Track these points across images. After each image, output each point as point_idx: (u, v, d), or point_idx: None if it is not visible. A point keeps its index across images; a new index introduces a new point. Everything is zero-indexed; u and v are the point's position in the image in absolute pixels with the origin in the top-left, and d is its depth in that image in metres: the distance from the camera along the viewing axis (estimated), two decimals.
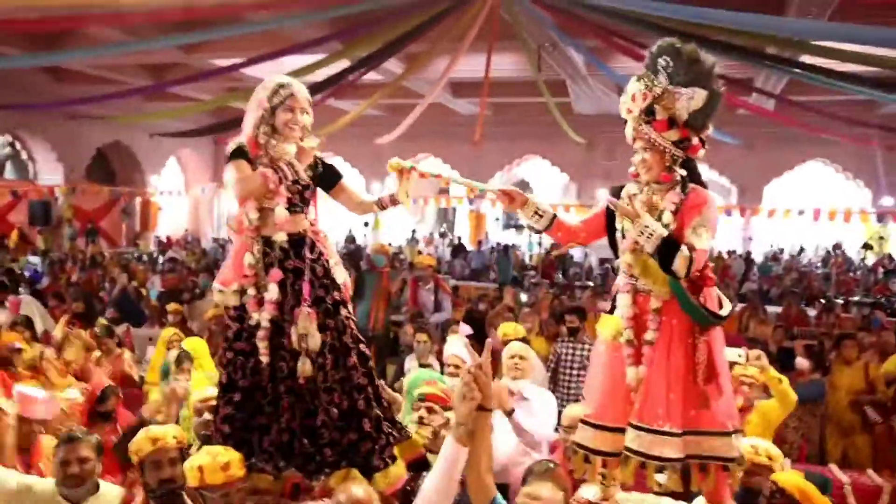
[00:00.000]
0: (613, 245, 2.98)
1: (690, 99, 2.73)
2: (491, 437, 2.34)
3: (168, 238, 21.59)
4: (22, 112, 17.23)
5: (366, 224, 18.69)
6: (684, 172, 2.83)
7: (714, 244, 2.81)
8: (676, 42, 2.81)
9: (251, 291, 3.06)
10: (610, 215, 2.98)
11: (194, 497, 2.99)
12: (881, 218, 19.15)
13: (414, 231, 24.31)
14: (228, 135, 21.10)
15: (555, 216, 3.06)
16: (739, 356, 4.27)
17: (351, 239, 22.34)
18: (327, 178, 3.21)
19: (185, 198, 24.53)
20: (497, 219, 27.20)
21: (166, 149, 22.80)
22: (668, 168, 2.81)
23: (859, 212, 19.36)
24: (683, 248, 2.65)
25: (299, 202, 3.07)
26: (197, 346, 5.48)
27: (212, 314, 7.71)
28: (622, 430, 2.79)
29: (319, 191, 3.26)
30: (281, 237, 3.03)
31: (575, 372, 6.13)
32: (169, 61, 15.27)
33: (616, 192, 2.99)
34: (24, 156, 19.80)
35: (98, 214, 20.89)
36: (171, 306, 7.87)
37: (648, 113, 2.78)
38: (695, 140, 2.81)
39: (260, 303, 3.04)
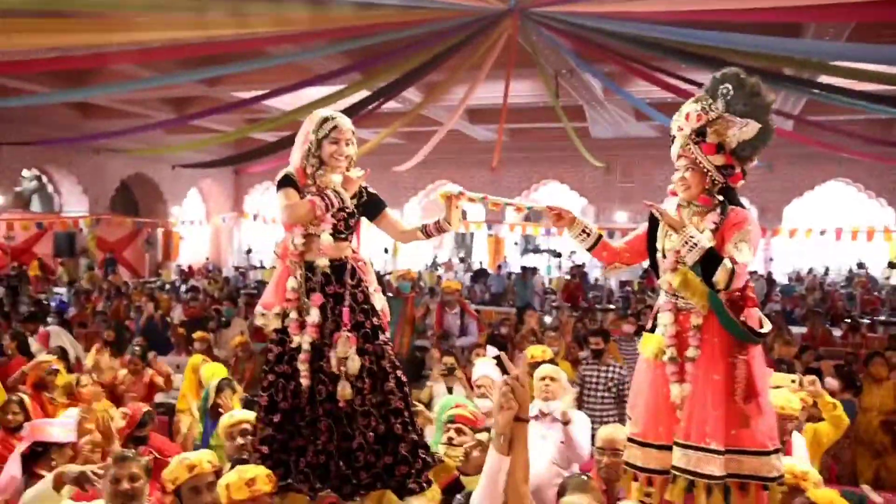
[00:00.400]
0: (654, 265, 3.03)
1: (743, 129, 2.81)
2: (527, 447, 2.38)
3: (189, 267, 21.80)
4: (49, 147, 17.59)
5: (385, 251, 18.78)
6: (722, 198, 2.88)
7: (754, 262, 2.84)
8: (741, 72, 2.89)
9: (293, 315, 3.14)
10: (651, 237, 3.04)
11: None
12: None
13: (435, 257, 24.36)
14: (248, 165, 21.48)
15: (601, 236, 3.13)
16: (793, 381, 4.17)
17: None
18: (371, 207, 3.31)
19: (206, 227, 24.80)
20: (515, 243, 27.21)
21: (188, 180, 23.13)
22: (707, 191, 2.87)
23: (882, 230, 19.19)
24: (726, 260, 2.70)
25: (344, 229, 3.17)
26: (217, 371, 5.57)
27: (237, 342, 7.83)
28: (668, 448, 2.82)
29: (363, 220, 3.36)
30: (323, 262, 3.12)
31: (600, 394, 6.14)
32: (191, 94, 15.57)
33: (655, 217, 3.04)
34: (49, 189, 20.17)
35: (121, 245, 21.16)
36: (198, 334, 7.98)
37: (699, 134, 2.84)
38: (738, 169, 2.87)
39: (301, 326, 3.12)
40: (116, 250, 20.81)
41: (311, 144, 3.17)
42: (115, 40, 8.52)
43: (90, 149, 19.04)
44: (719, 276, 2.68)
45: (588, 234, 3.14)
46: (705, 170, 2.86)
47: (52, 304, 13.49)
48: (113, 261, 19.25)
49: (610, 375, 6.20)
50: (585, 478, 3.08)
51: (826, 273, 22.90)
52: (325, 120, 3.19)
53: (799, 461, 3.47)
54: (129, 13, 7.80)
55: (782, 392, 3.90)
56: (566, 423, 4.12)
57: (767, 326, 2.84)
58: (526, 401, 2.30)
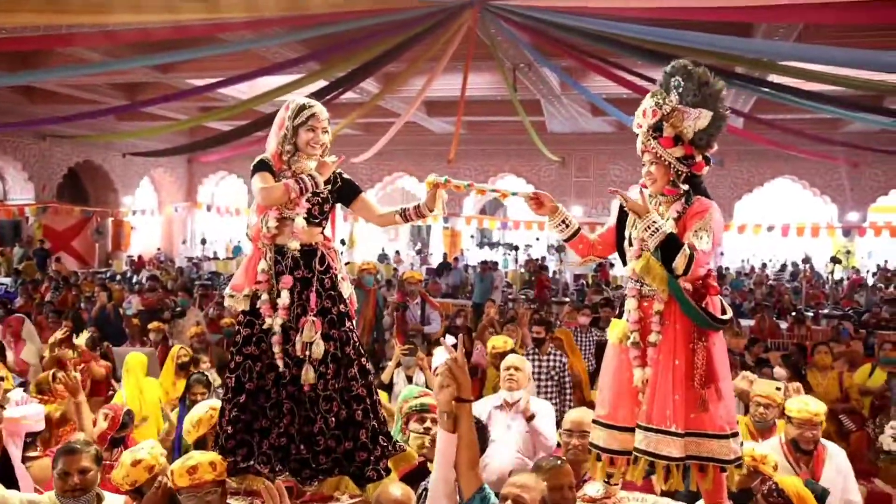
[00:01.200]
0: (622, 254, 3.11)
1: (697, 119, 2.90)
2: (472, 429, 2.49)
3: (140, 257, 21.39)
4: None
5: (342, 242, 18.71)
6: (687, 187, 2.96)
7: (716, 250, 2.93)
8: (689, 64, 2.98)
9: (264, 297, 3.17)
10: (620, 226, 3.11)
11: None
12: (847, 232, 19.62)
13: (383, 249, 24.32)
14: (202, 154, 21.14)
15: (579, 228, 3.18)
16: (778, 389, 4.33)
17: None
18: (347, 192, 3.32)
19: (158, 217, 24.35)
20: (472, 236, 27.35)
21: (140, 168, 22.67)
22: (672, 182, 2.95)
23: (826, 227, 19.83)
24: (685, 246, 2.80)
25: (318, 214, 3.19)
26: (136, 360, 5.70)
27: (194, 332, 7.74)
28: (631, 430, 2.91)
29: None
30: (294, 245, 3.15)
31: (543, 383, 6.23)
32: (143, 80, 15.23)
33: (623, 208, 3.11)
34: None
35: (69, 234, 20.67)
36: (153, 325, 7.87)
37: (656, 129, 2.93)
38: (699, 158, 2.96)
39: (274, 308, 3.13)
40: (64, 240, 20.33)
41: (287, 131, 3.19)
42: (69, 21, 8.31)
43: (36, 134, 18.52)
44: (678, 262, 2.78)
45: (567, 226, 3.19)
46: (667, 162, 2.94)
47: None
48: (44, 251, 18.60)
49: (552, 364, 6.30)
50: (558, 461, 3.14)
51: (763, 267, 23.57)
52: (303, 108, 3.20)
53: (759, 445, 3.59)
54: None
55: (766, 383, 4.28)
56: (529, 418, 4.18)
57: (729, 314, 2.94)
58: (465, 381, 2.44)
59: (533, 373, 6.27)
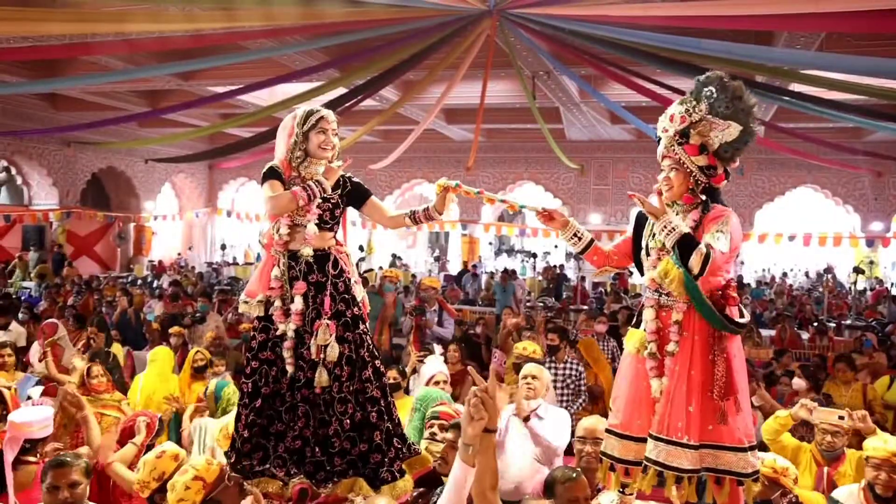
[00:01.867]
0: (639, 264, 3.10)
1: (724, 130, 2.89)
2: (496, 457, 2.41)
3: (160, 262, 21.59)
4: (18, 138, 17.32)
5: (360, 248, 18.79)
6: (705, 197, 2.95)
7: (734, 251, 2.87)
8: (725, 76, 2.96)
9: (277, 303, 3.19)
10: (636, 238, 3.10)
11: None
12: (870, 243, 19.37)
13: (395, 255, 24.31)
14: (223, 160, 21.32)
15: (592, 240, 3.18)
16: (841, 417, 4.00)
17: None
18: (356, 195, 3.35)
19: (179, 223, 24.57)
20: (490, 243, 27.33)
21: (161, 174, 22.90)
22: (690, 190, 2.94)
23: (849, 236, 19.59)
24: (701, 245, 2.77)
25: (329, 219, 3.21)
26: (163, 352, 6.04)
27: (211, 336, 7.80)
28: (646, 440, 2.89)
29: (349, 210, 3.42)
30: (307, 251, 3.18)
31: (558, 390, 6.23)
32: (165, 88, 15.41)
33: (642, 215, 3.10)
34: (18, 181, 19.83)
35: (92, 239, 20.91)
36: (174, 329, 7.95)
37: (683, 135, 2.91)
38: (720, 170, 2.95)
39: (286, 314, 3.16)
40: (86, 244, 20.59)
41: (297, 137, 3.23)
42: (92, 30, 8.43)
43: (60, 141, 18.77)
44: (693, 261, 2.75)
45: (580, 238, 3.19)
46: (689, 170, 2.93)
47: (22, 297, 13.29)
48: (62, 255, 18.79)
49: (567, 372, 6.29)
50: (574, 474, 3.12)
51: (784, 276, 23.33)
52: (311, 113, 3.26)
53: (779, 458, 3.55)
54: (109, 2, 7.73)
55: (827, 411, 4.07)
56: (525, 419, 4.16)
57: (746, 317, 2.92)
58: (495, 412, 2.31)
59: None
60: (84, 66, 12.99)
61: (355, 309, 3.24)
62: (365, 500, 2.78)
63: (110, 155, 20.56)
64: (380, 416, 3.21)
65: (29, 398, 4.77)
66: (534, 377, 4.43)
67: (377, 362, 3.28)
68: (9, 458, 3.44)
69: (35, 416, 3.64)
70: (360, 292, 3.30)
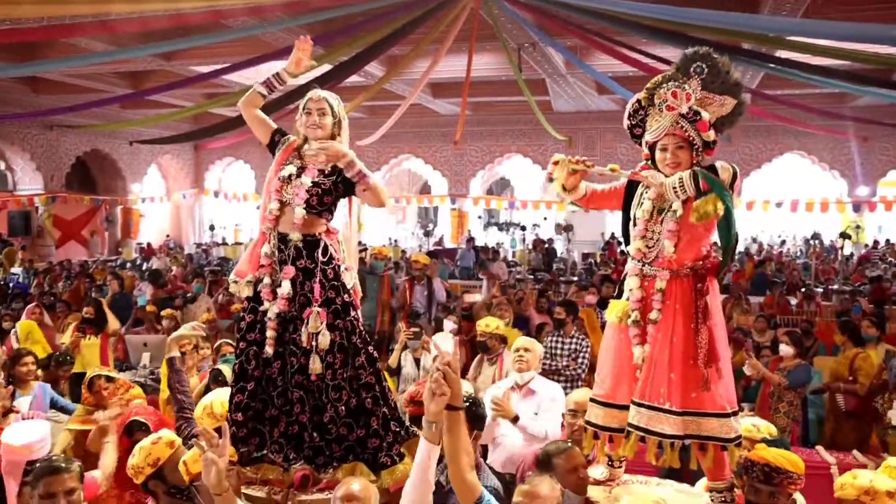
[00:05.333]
0: (626, 234, 3.13)
1: (721, 106, 2.95)
2: (466, 435, 2.35)
3: (149, 245, 21.50)
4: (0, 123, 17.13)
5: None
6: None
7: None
8: (713, 52, 2.97)
9: (266, 280, 3.18)
10: (626, 210, 3.12)
11: (192, 496, 3.03)
12: (857, 208, 19.50)
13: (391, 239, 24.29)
14: (208, 141, 21.15)
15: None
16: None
17: None
18: (350, 181, 3.25)
19: (166, 204, 24.44)
20: (479, 217, 27.34)
21: (147, 156, 22.72)
22: (694, 165, 2.96)
23: (836, 202, 19.72)
24: (723, 163, 2.91)
25: (317, 205, 3.16)
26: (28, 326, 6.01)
27: (204, 318, 7.80)
28: (629, 409, 2.95)
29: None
30: (296, 236, 3.15)
31: (565, 363, 6.25)
32: (147, 68, 15.24)
33: (631, 187, 3.15)
34: (1, 166, 19.65)
35: (79, 223, 20.79)
36: (166, 312, 7.94)
37: (696, 113, 2.92)
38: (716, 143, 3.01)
39: (274, 293, 3.15)
40: (74, 228, 20.48)
41: (298, 119, 3.28)
42: (71, 12, 8.29)
43: (43, 125, 18.57)
44: (723, 176, 2.85)
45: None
46: (696, 146, 2.94)
47: (10, 284, 13.23)
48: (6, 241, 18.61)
49: (574, 346, 6.32)
50: (566, 445, 3.17)
51: (783, 244, 23.45)
52: (307, 95, 3.28)
53: (756, 419, 3.60)
54: None
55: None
56: (514, 420, 4.19)
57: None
58: (458, 388, 2.23)
59: (556, 354, 6.33)
60: (64, 48, 12.82)
61: (345, 296, 3.21)
62: (343, 482, 2.74)
63: (94, 138, 20.36)
64: (375, 401, 3.21)
65: (15, 411, 4.41)
66: (526, 350, 4.45)
67: (370, 348, 3.27)
68: (13, 488, 3.19)
69: (33, 435, 3.33)
70: (350, 280, 3.28)
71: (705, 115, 2.92)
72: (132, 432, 4.01)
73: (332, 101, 3.26)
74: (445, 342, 5.01)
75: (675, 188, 2.87)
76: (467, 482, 2.32)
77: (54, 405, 5.20)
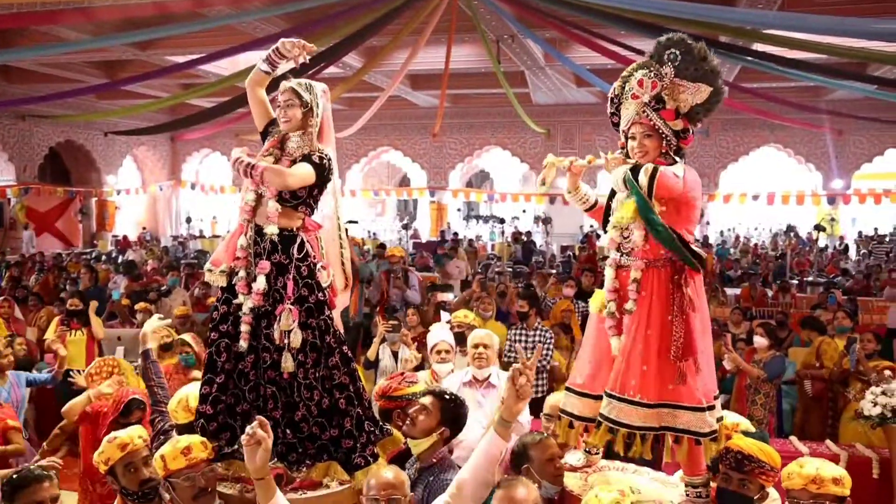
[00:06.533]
0: (605, 227, 3.14)
1: (695, 93, 2.90)
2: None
3: (125, 237, 21.24)
4: None
5: (351, 222, 18.61)
6: (677, 159, 2.97)
7: (690, 186, 2.90)
8: (687, 38, 2.93)
9: (241, 273, 3.12)
10: (608, 205, 3.14)
11: (166, 489, 2.98)
12: (832, 200, 19.73)
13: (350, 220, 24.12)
14: (185, 132, 20.93)
15: (597, 200, 3.29)
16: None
17: None
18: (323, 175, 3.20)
19: (142, 196, 24.15)
20: (458, 210, 27.32)
21: (122, 147, 22.42)
22: (663, 154, 2.94)
23: (811, 195, 19.94)
24: (647, 165, 2.83)
25: (290, 198, 3.10)
26: None
27: (179, 312, 7.71)
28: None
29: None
30: (271, 230, 3.08)
31: (527, 355, 6.25)
32: (122, 58, 15.01)
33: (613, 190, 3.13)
34: None
35: (53, 215, 20.50)
36: (140, 305, 7.85)
37: (658, 101, 2.91)
38: (690, 132, 2.98)
39: (249, 286, 3.09)
40: (47, 220, 20.19)
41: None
42: None
43: (15, 114, 18.24)
44: (641, 179, 2.82)
45: (585, 201, 3.30)
46: (663, 134, 2.93)
47: None
48: None
49: (538, 338, 6.34)
50: (539, 436, 3.16)
51: (752, 236, 23.68)
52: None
53: (735, 415, 3.61)
54: None
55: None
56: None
57: (703, 253, 2.96)
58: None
59: (521, 347, 6.31)
60: (37, 36, 12.59)
61: (319, 294, 3.16)
62: (333, 482, 2.73)
63: (68, 128, 20.05)
64: (349, 401, 3.16)
65: None
66: (485, 346, 4.34)
67: (344, 348, 3.22)
68: None
69: None
70: (325, 278, 3.23)
71: (670, 104, 2.90)
72: (130, 410, 4.01)
73: (301, 90, 3.17)
74: (442, 332, 4.96)
75: (616, 183, 2.90)
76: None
77: (31, 384, 5.34)
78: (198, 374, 4.08)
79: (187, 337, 5.51)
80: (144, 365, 3.80)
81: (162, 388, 3.75)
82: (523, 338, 6.40)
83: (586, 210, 3.31)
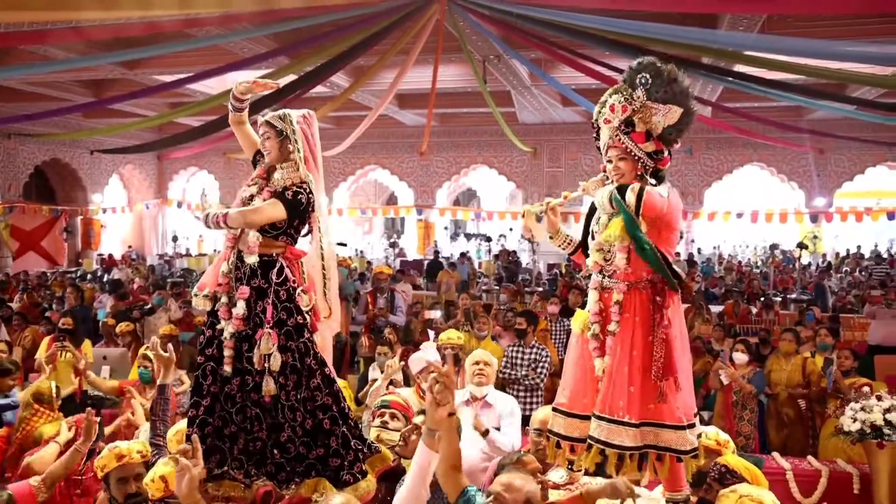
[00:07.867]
0: (585, 248, 3.19)
1: (666, 115, 2.97)
2: (457, 440, 2.50)
3: (110, 256, 21.13)
4: None
5: (340, 244, 18.63)
6: (654, 181, 3.04)
7: (672, 205, 2.98)
8: (657, 61, 3.03)
9: (223, 299, 3.17)
10: (586, 225, 3.20)
11: None
12: (814, 218, 19.95)
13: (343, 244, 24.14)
14: (172, 150, 20.92)
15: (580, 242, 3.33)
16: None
17: None
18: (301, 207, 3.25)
19: (128, 215, 24.05)
20: (445, 228, 27.38)
21: (108, 165, 22.36)
22: (639, 176, 3.01)
23: (794, 213, 20.16)
24: (633, 184, 2.92)
25: (269, 228, 3.15)
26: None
27: (164, 331, 7.67)
28: (591, 419, 2.98)
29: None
30: (251, 260, 3.13)
31: (524, 373, 6.30)
32: (109, 77, 15.03)
33: (593, 205, 3.22)
34: None
35: (38, 234, 20.38)
36: (121, 327, 7.79)
37: (628, 124, 2.98)
38: (666, 153, 3.04)
39: (230, 312, 3.14)
40: (32, 239, 20.07)
41: None
42: (33, 18, 8.16)
43: (0, 133, 18.19)
44: (628, 198, 2.90)
45: (569, 243, 3.33)
46: (636, 157, 3.00)
47: None
48: None
49: (534, 357, 6.37)
50: (519, 454, 3.20)
51: (735, 254, 23.93)
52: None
53: (720, 431, 3.67)
54: None
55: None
56: (484, 433, 4.21)
57: (683, 275, 3.03)
58: (454, 395, 2.42)
59: (516, 364, 6.36)
60: (23, 55, 12.59)
61: (299, 318, 3.19)
62: (322, 497, 2.76)
63: (54, 146, 19.98)
64: (334, 421, 3.18)
65: None
66: (486, 363, 4.44)
67: (326, 369, 3.24)
68: None
69: None
70: (306, 301, 3.26)
71: (640, 127, 2.98)
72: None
73: (274, 121, 3.23)
74: (429, 352, 5.00)
75: (602, 203, 2.98)
76: (454, 478, 2.47)
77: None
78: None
79: (149, 352, 5.38)
80: (156, 398, 3.80)
81: (164, 424, 3.74)
82: (520, 355, 6.44)
83: (570, 253, 3.37)
